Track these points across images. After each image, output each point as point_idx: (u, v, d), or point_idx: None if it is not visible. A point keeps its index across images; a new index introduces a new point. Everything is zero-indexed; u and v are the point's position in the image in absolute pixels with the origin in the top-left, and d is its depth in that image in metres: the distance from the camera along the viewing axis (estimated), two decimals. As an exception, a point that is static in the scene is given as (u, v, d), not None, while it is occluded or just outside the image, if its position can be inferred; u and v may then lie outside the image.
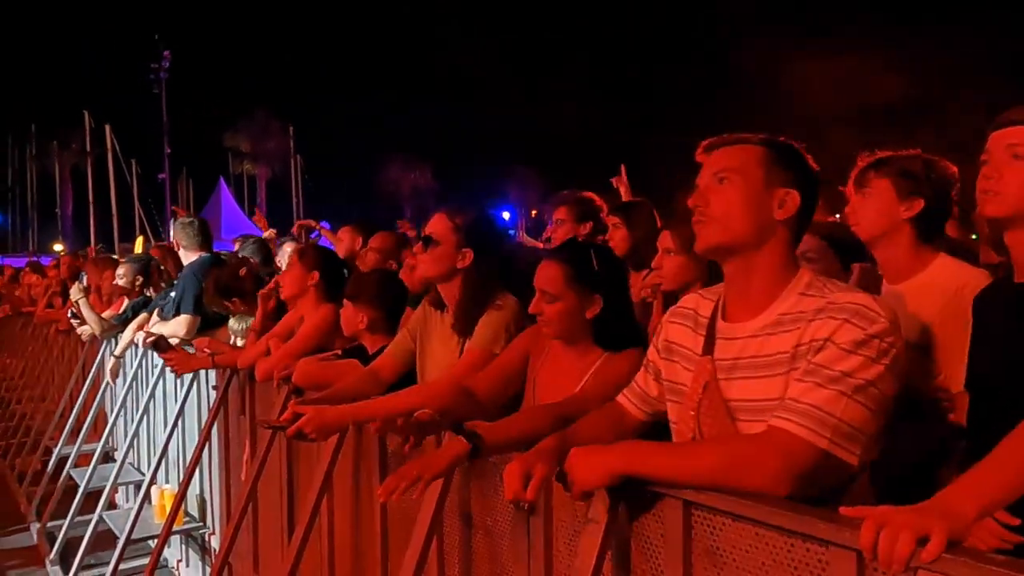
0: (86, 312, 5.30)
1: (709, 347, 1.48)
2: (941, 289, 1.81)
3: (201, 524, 4.13)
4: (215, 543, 3.96)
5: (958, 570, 1.02)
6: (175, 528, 3.72)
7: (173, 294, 4.37)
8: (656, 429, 1.65)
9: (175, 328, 4.07)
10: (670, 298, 1.97)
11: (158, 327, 4.17)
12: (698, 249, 1.49)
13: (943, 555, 1.03)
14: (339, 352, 2.87)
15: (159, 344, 3.87)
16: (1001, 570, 1.00)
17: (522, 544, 1.84)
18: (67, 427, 5.80)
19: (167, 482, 4.45)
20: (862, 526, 1.09)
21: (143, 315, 4.99)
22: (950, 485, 1.16)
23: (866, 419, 1.29)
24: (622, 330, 1.95)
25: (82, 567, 4.36)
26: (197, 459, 3.61)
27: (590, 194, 3.35)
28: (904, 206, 1.87)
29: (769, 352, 1.38)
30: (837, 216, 2.86)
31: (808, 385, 1.30)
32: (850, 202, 1.96)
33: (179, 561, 4.54)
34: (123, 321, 5.16)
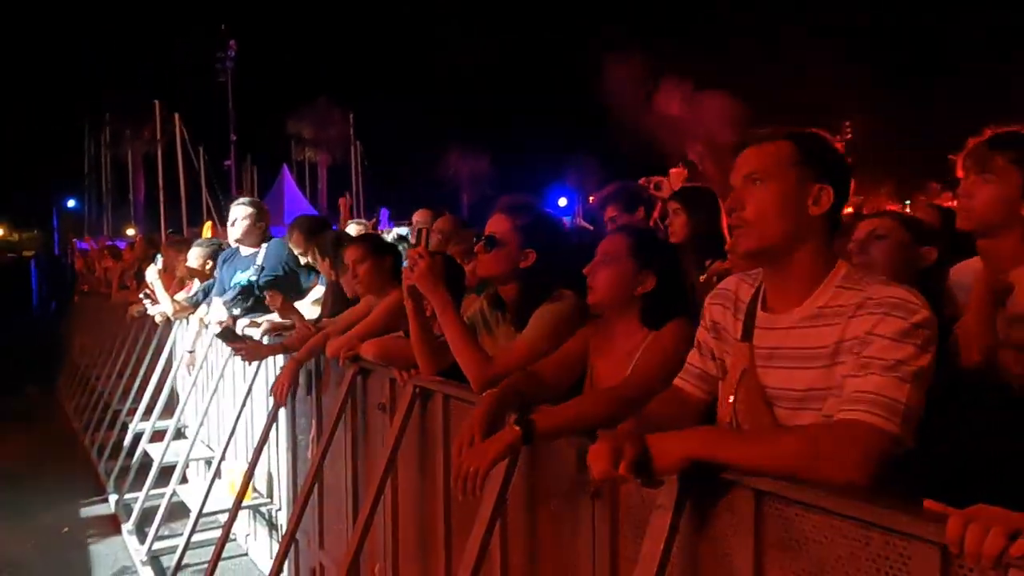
0: (160, 293, 5.51)
1: (748, 334, 1.51)
2: None
3: (269, 500, 4.26)
4: (282, 519, 4.08)
5: (1053, 568, 0.99)
6: (244, 504, 3.84)
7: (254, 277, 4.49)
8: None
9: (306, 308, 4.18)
10: None
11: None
12: (737, 254, 1.53)
13: (1036, 552, 0.99)
14: (402, 334, 2.91)
15: (227, 335, 4.01)
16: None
17: (587, 529, 1.84)
18: (142, 404, 6.05)
19: (236, 459, 4.59)
20: (949, 520, 1.06)
21: (203, 306, 5.17)
22: None
23: (921, 403, 1.31)
24: (670, 311, 1.96)
25: (157, 537, 4.56)
26: (265, 438, 3.71)
27: (628, 182, 3.34)
28: None
29: (810, 344, 1.41)
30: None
31: (867, 377, 1.31)
32: (962, 183, 1.82)
33: (247, 535, 4.70)
34: (194, 303, 5.34)
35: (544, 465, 2.01)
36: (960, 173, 1.84)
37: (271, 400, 3.67)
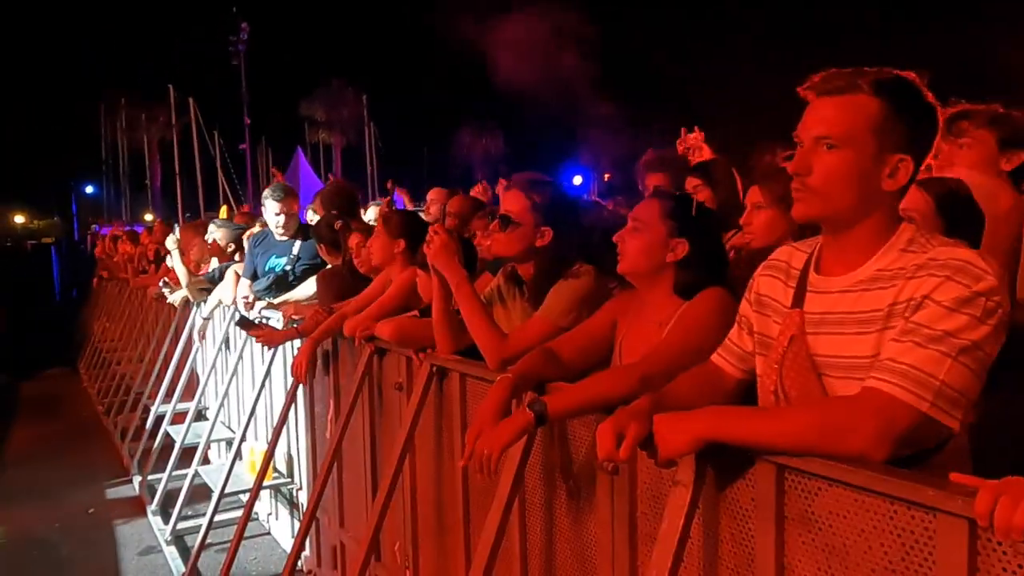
0: (177, 264, 5.56)
1: (799, 300, 1.42)
2: None
3: (289, 480, 4.30)
4: (303, 498, 4.12)
5: (1086, 542, 0.96)
6: (264, 483, 3.87)
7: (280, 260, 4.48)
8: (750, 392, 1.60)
9: (306, 290, 4.19)
10: (759, 255, 1.90)
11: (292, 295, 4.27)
12: (795, 218, 1.40)
13: (1070, 526, 0.96)
14: (416, 313, 2.91)
15: (244, 323, 4.03)
16: None
17: (605, 507, 1.83)
18: (162, 387, 6.12)
19: (256, 439, 4.64)
20: (978, 493, 1.03)
21: (232, 271, 5.18)
22: None
23: (970, 382, 1.21)
24: (703, 280, 1.87)
25: (180, 518, 4.62)
26: (284, 418, 3.73)
27: (672, 152, 3.25)
28: (1005, 158, 1.75)
29: (863, 308, 1.31)
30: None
31: (908, 345, 1.22)
32: (940, 153, 1.82)
33: (269, 515, 4.75)
34: (211, 280, 5.38)
35: (562, 443, 2.00)
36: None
37: (290, 381, 3.69)
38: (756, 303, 1.54)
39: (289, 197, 4.50)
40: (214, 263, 5.57)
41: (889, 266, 1.31)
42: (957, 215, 1.78)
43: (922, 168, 1.35)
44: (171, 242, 5.60)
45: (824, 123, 1.33)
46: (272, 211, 4.45)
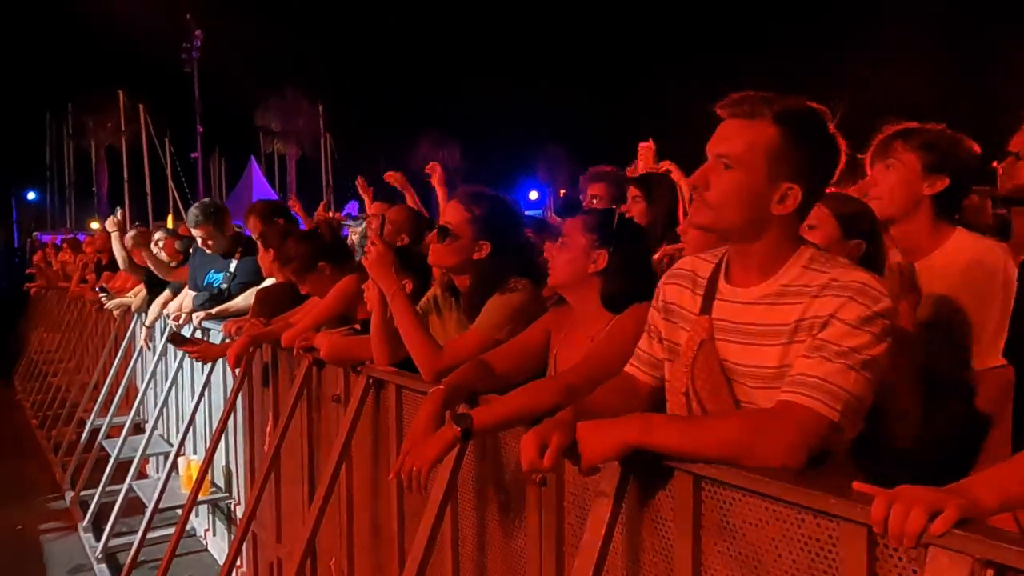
0: (116, 247, 5.46)
1: (707, 306, 1.48)
2: (960, 265, 1.77)
3: (227, 495, 4.21)
4: (240, 513, 4.03)
5: (971, 547, 1.00)
6: (201, 498, 3.79)
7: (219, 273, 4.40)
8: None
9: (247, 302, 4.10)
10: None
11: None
12: (692, 225, 1.49)
13: (954, 530, 1.00)
14: (357, 327, 2.89)
15: (176, 339, 3.95)
16: (1016, 548, 0.97)
17: (534, 518, 1.84)
18: (99, 399, 5.95)
19: (195, 453, 4.53)
20: (874, 501, 1.07)
21: (167, 292, 5.08)
22: (977, 473, 1.14)
23: (869, 393, 1.29)
24: (627, 291, 1.91)
25: (113, 534, 4.48)
26: (221, 430, 3.66)
27: (617, 170, 3.31)
28: (927, 183, 1.82)
29: (770, 322, 1.37)
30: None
31: (817, 360, 1.29)
32: (869, 173, 1.90)
33: (207, 530, 4.64)
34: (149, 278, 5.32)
35: (494, 456, 2.01)
36: (868, 170, 1.91)
37: (229, 392, 3.62)
38: (664, 311, 1.58)
39: (215, 223, 4.34)
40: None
41: (793, 281, 1.38)
42: (856, 229, 1.85)
43: (827, 191, 1.41)
44: (111, 224, 5.49)
45: (725, 142, 1.39)
46: (197, 231, 4.36)
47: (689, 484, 1.40)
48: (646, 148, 3.72)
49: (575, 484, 1.71)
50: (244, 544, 3.40)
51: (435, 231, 2.32)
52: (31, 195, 37.53)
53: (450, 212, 2.32)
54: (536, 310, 2.19)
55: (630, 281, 1.92)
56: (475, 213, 2.28)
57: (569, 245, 1.95)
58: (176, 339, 3.93)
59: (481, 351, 2.11)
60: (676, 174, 3.06)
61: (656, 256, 2.46)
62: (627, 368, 1.67)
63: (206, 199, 4.80)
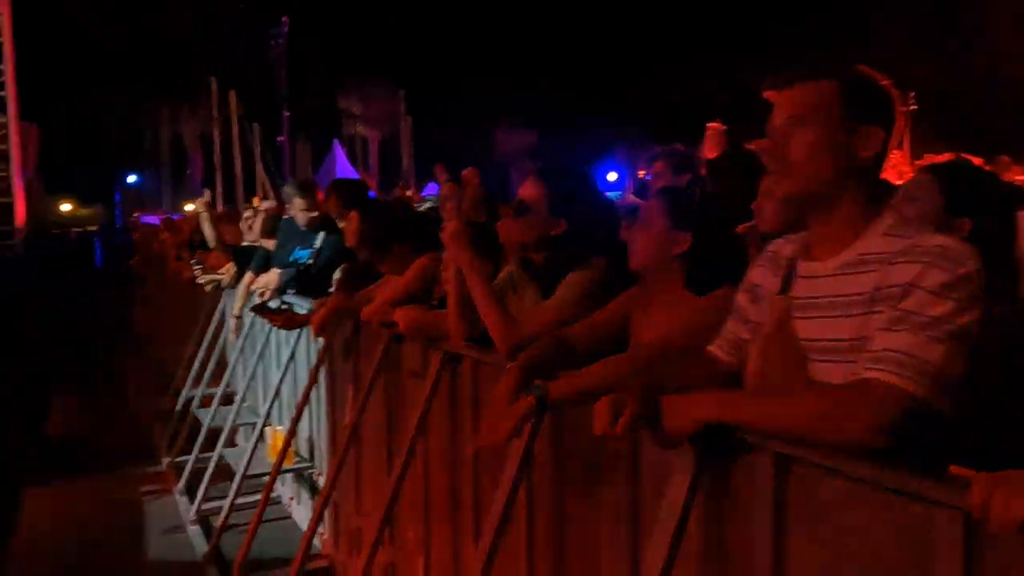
0: (206, 227, 5.71)
1: (786, 286, 1.45)
2: None
3: (310, 464, 4.35)
4: (322, 482, 4.16)
5: (1082, 536, 0.93)
6: (286, 467, 3.93)
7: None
8: None
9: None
10: (768, 240, 1.87)
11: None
12: (777, 200, 1.45)
13: (1064, 518, 0.94)
14: (435, 303, 2.92)
15: (260, 309, 4.09)
16: None
17: (609, 493, 1.83)
18: (192, 371, 6.25)
19: (280, 424, 4.70)
20: (973, 485, 1.01)
21: (248, 274, 5.27)
22: None
23: (959, 366, 1.22)
24: (710, 273, 1.87)
25: (205, 498, 4.71)
26: (304, 402, 3.78)
27: (681, 146, 3.25)
28: None
29: (847, 292, 1.33)
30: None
31: (900, 333, 1.23)
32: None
33: (291, 499, 4.82)
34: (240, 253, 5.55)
35: (570, 429, 2.00)
36: None
37: (312, 366, 3.74)
38: (750, 292, 1.57)
39: (308, 199, 4.49)
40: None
41: (872, 249, 1.33)
42: (962, 194, 1.73)
43: (891, 145, 1.37)
44: (200, 204, 5.77)
45: (788, 106, 1.38)
46: (298, 207, 4.50)
47: (771, 464, 1.36)
48: (714, 129, 3.62)
49: (652, 460, 1.69)
50: (325, 512, 3.51)
51: (512, 207, 2.32)
52: (131, 178, 39.64)
53: (528, 188, 2.31)
54: (611, 289, 2.16)
55: (714, 263, 1.88)
56: (552, 189, 2.27)
57: (649, 227, 1.92)
58: (260, 309, 4.07)
59: (556, 327, 2.10)
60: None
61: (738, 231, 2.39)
62: (710, 347, 1.65)
63: (301, 177, 4.98)
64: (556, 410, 1.85)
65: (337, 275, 4.08)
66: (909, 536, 1.17)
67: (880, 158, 1.36)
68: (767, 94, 1.42)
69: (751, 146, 3.05)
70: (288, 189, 4.59)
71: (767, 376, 1.46)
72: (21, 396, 7.72)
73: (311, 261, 4.46)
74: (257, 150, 31.18)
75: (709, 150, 3.28)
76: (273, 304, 4.40)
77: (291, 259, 4.54)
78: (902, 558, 1.18)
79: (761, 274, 1.55)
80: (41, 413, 7.51)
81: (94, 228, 26.32)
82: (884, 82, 1.38)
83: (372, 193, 6.90)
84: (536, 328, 2.11)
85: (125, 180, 38.41)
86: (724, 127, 3.31)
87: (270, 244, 5.22)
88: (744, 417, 1.34)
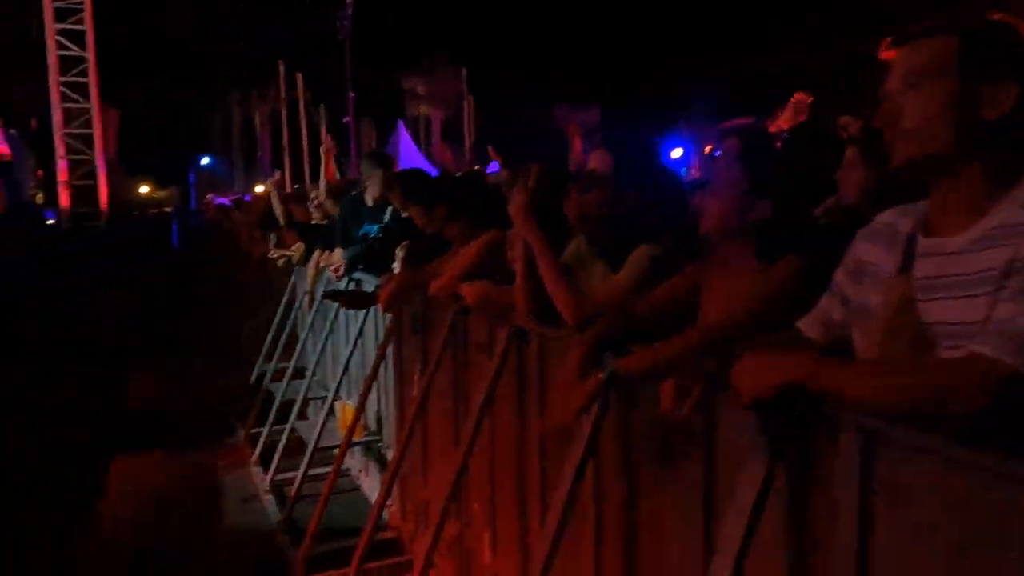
0: (276, 206, 5.87)
1: (907, 265, 1.32)
2: None
3: (378, 438, 4.43)
4: (390, 456, 4.24)
5: None
6: (355, 440, 4.02)
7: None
8: None
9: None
10: (848, 212, 1.79)
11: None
12: (893, 168, 1.31)
13: None
14: (501, 277, 2.91)
15: (331, 295, 4.17)
16: None
17: (682, 470, 1.79)
18: (264, 346, 6.43)
19: (349, 398, 4.80)
20: None
21: (317, 252, 5.38)
22: None
23: None
24: (787, 242, 1.77)
25: (278, 469, 4.86)
26: (373, 377, 3.84)
27: (752, 119, 3.12)
28: None
29: (976, 269, 1.20)
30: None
31: (1013, 305, 1.12)
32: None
33: (360, 471, 4.92)
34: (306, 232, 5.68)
35: (639, 405, 1.96)
36: None
37: (379, 341, 3.79)
38: (854, 270, 1.45)
39: (387, 170, 4.56)
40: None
41: (1006, 221, 1.19)
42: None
43: None
44: (270, 184, 5.94)
45: (905, 64, 1.26)
46: (368, 174, 4.54)
47: (859, 441, 1.30)
48: (799, 99, 3.48)
49: (727, 436, 1.64)
50: (393, 485, 3.57)
51: (579, 182, 2.28)
52: (205, 160, 40.95)
53: (596, 160, 2.27)
54: (682, 262, 2.11)
55: (791, 232, 1.80)
56: (622, 162, 2.22)
57: (726, 192, 1.84)
58: (331, 294, 4.15)
59: (626, 301, 2.06)
60: (854, 127, 2.84)
61: (818, 211, 2.31)
62: (800, 324, 1.56)
63: (375, 150, 5.04)
64: (625, 385, 1.81)
65: (400, 252, 4.12)
66: (1006, 522, 1.10)
67: (1017, 117, 1.20)
68: (884, 55, 1.30)
69: (842, 120, 2.91)
70: (368, 163, 4.62)
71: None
72: (104, 373, 8.13)
73: (380, 235, 4.51)
74: (323, 131, 31.72)
75: (785, 120, 3.14)
76: (340, 284, 4.48)
77: (359, 233, 4.60)
78: (996, 540, 1.11)
79: (871, 251, 1.42)
80: (121, 389, 7.89)
81: (169, 209, 27.39)
82: (1023, 27, 1.23)
83: (435, 171, 6.96)
84: (605, 302, 2.07)
85: (199, 162, 39.70)
86: (810, 98, 3.17)
87: (332, 207, 5.32)
88: (833, 383, 1.24)
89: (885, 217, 1.44)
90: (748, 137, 1.89)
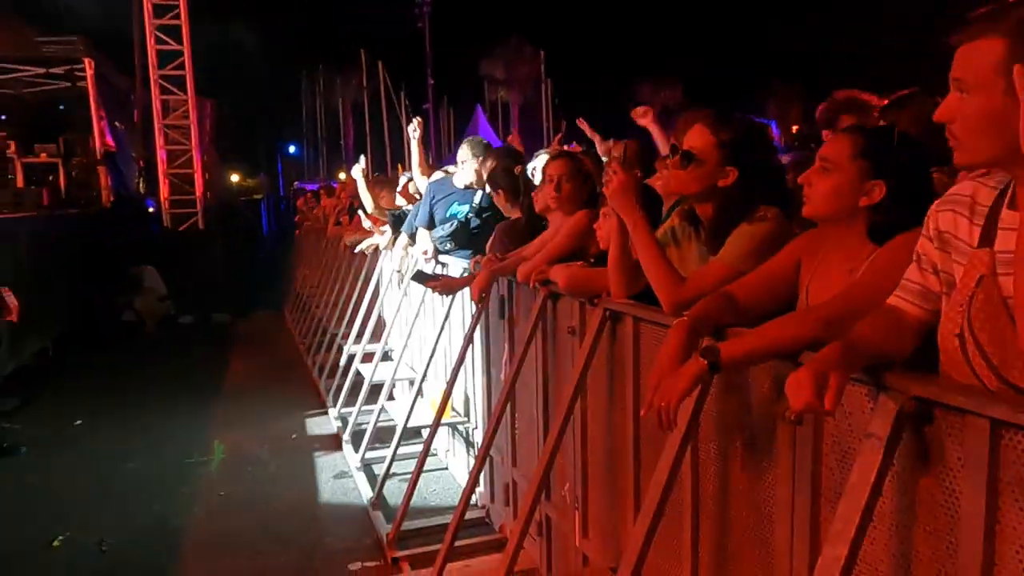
0: (363, 192, 6.03)
1: (988, 238, 1.28)
2: None
3: (466, 419, 4.50)
4: (478, 437, 4.29)
5: None
6: (443, 421, 4.08)
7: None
8: None
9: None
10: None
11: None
12: (956, 165, 1.28)
13: None
14: (591, 260, 2.90)
15: (420, 276, 4.23)
16: None
17: (785, 459, 1.74)
18: (353, 330, 6.61)
19: (436, 380, 4.88)
20: None
21: (404, 237, 5.46)
22: None
23: None
24: (901, 222, 1.67)
25: (368, 448, 5.01)
26: (461, 360, 3.89)
27: (843, 95, 2.92)
28: None
29: None
30: None
31: None
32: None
33: (447, 451, 5.02)
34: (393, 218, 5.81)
35: (740, 391, 1.92)
36: None
37: (467, 325, 3.83)
38: (937, 240, 1.40)
39: (484, 155, 4.54)
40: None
41: None
42: None
43: None
44: (356, 170, 6.08)
45: (956, 65, 1.21)
46: (465, 157, 4.54)
47: (985, 431, 1.23)
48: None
49: (835, 423, 1.58)
50: (484, 466, 3.62)
51: (677, 157, 2.22)
52: (291, 149, 42.28)
53: (695, 136, 2.20)
54: (784, 241, 2.03)
55: (907, 212, 1.70)
56: (722, 137, 2.15)
57: (835, 172, 1.74)
58: (420, 276, 4.22)
59: (725, 283, 2.00)
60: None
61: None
62: (891, 300, 1.50)
63: (474, 136, 5.02)
64: (729, 370, 1.77)
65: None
66: None
67: None
68: (952, 43, 1.23)
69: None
70: (474, 148, 4.60)
71: (973, 334, 1.29)
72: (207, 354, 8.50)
73: (471, 215, 4.54)
74: (404, 118, 32.19)
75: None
76: (428, 268, 4.54)
77: (448, 214, 4.64)
78: None
79: (951, 221, 1.38)
80: (224, 365, 8.27)
81: (260, 196, 28.41)
82: None
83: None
84: (705, 284, 2.02)
85: (286, 150, 41.02)
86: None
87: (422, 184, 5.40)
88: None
89: (964, 188, 1.39)
90: (867, 132, 1.77)
